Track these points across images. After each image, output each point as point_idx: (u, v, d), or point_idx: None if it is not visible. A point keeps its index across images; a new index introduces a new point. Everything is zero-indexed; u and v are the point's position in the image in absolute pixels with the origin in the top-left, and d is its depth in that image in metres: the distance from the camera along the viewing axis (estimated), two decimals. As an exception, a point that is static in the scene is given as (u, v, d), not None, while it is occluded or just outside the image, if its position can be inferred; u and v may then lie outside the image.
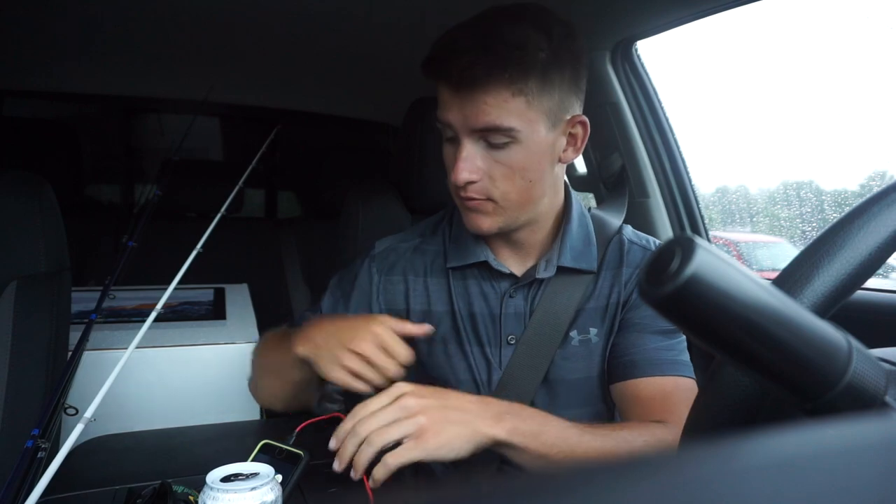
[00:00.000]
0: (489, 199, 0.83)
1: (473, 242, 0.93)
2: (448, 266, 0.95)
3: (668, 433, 0.79)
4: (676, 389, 0.86)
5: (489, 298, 0.93)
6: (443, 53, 0.79)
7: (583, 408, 0.92)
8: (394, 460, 0.69)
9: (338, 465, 0.71)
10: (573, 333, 0.91)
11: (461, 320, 0.94)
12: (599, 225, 0.97)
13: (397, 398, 0.72)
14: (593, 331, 0.92)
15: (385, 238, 1.03)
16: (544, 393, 0.91)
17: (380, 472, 0.70)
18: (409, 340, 0.84)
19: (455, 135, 0.82)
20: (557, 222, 0.94)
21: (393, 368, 0.78)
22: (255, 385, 1.01)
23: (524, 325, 0.92)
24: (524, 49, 0.76)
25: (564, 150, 0.86)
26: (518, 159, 0.81)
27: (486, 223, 0.85)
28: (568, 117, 0.84)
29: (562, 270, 0.91)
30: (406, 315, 0.96)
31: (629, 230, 0.99)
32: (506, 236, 0.92)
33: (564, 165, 0.90)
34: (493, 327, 0.93)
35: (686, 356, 0.91)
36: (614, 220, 1.00)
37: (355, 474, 0.71)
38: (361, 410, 0.72)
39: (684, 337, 0.92)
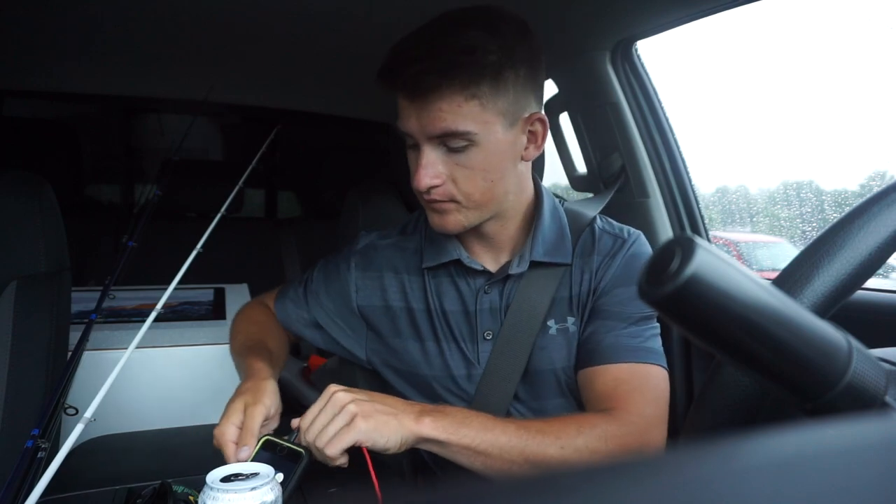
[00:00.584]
0: (452, 200, 0.85)
1: (446, 240, 0.94)
2: (423, 266, 0.96)
3: (609, 423, 0.78)
4: (632, 377, 0.84)
5: (464, 295, 0.94)
6: (395, 64, 0.80)
7: (565, 398, 0.92)
8: (332, 448, 0.72)
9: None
10: (550, 323, 0.92)
11: (437, 317, 0.95)
12: (573, 217, 0.97)
13: (329, 398, 0.75)
14: (571, 319, 0.92)
15: (369, 232, 1.05)
16: (526, 385, 0.92)
17: (329, 454, 0.73)
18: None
19: (415, 142, 0.83)
20: (529, 218, 0.94)
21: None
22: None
23: (500, 320, 0.93)
24: (473, 53, 0.77)
25: (526, 148, 0.87)
26: (478, 161, 0.82)
27: (451, 222, 0.87)
28: (526, 115, 0.84)
29: (535, 265, 0.92)
30: (385, 311, 0.98)
31: (602, 220, 0.99)
32: (476, 232, 0.93)
33: (529, 163, 0.91)
34: (469, 324, 0.94)
35: (654, 343, 0.88)
36: (589, 211, 1.00)
37: (333, 464, 0.75)
38: (303, 422, 0.75)
39: (657, 325, 0.90)
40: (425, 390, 0.96)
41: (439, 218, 0.87)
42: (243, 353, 0.94)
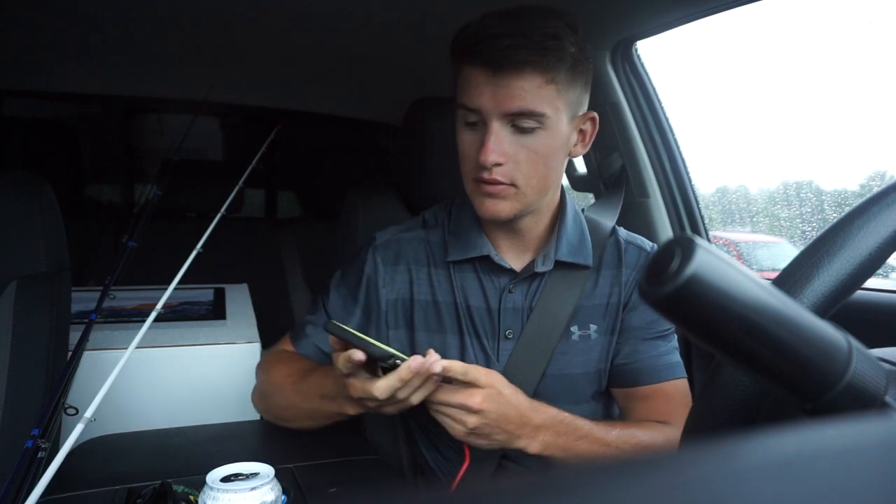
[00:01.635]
0: (511, 185, 0.85)
1: (476, 236, 0.94)
2: (449, 259, 0.95)
3: (674, 433, 0.88)
4: (676, 392, 0.94)
5: (488, 292, 0.94)
6: (479, 37, 0.81)
7: (580, 403, 0.94)
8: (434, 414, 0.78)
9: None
10: (573, 328, 0.93)
11: (462, 312, 0.95)
12: (592, 225, 0.99)
13: (467, 401, 0.76)
14: (593, 327, 0.94)
15: (386, 229, 1.03)
16: (543, 387, 0.92)
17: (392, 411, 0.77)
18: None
19: (480, 119, 0.84)
20: (554, 218, 0.95)
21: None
22: (272, 407, 1.00)
23: (521, 320, 0.93)
24: (559, 40, 0.80)
25: (575, 145, 0.90)
26: (543, 145, 0.84)
27: (506, 208, 0.87)
28: (581, 112, 0.88)
29: (559, 265, 0.93)
30: (412, 304, 0.96)
31: (623, 231, 1.02)
32: (509, 228, 0.93)
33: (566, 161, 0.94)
34: (491, 322, 0.94)
35: (678, 355, 0.97)
36: (607, 220, 1.03)
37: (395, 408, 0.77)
38: (444, 393, 0.77)
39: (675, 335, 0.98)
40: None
41: (492, 203, 0.86)
42: (302, 388, 0.91)
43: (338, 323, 0.72)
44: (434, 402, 0.77)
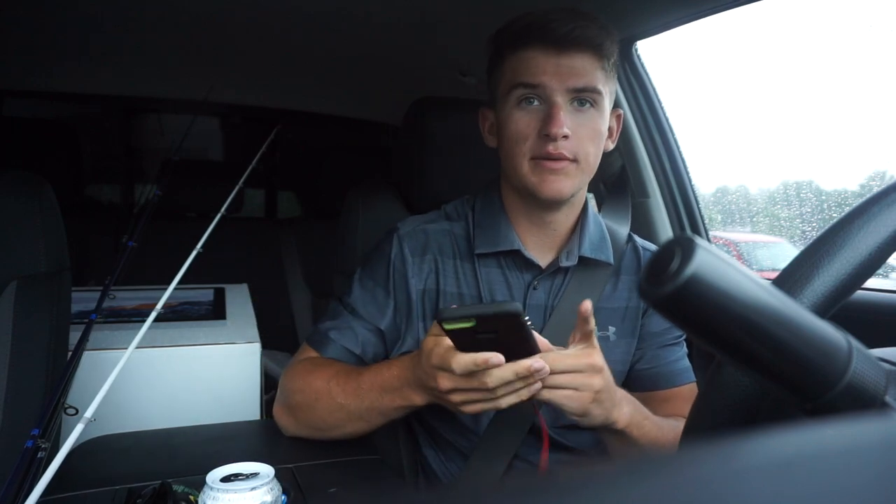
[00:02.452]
0: (574, 161, 0.87)
1: (505, 229, 0.94)
2: (476, 252, 0.95)
3: None
4: (691, 395, 0.97)
5: (513, 288, 0.95)
6: (541, 20, 0.86)
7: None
8: (535, 397, 0.71)
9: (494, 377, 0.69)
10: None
11: None
12: (610, 229, 1.01)
13: (589, 365, 0.72)
14: (612, 329, 0.95)
15: (408, 219, 1.01)
16: None
17: (527, 394, 0.71)
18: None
19: (541, 98, 0.87)
20: (578, 215, 0.97)
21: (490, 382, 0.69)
22: (312, 418, 0.90)
23: (544, 317, 0.94)
24: (610, 32, 0.88)
25: (607, 138, 0.93)
26: (598, 122, 0.89)
27: (567, 186, 0.88)
28: (612, 108, 0.93)
29: (582, 262, 0.94)
30: (436, 296, 0.95)
31: (639, 239, 1.05)
32: (541, 221, 0.94)
33: None
34: None
35: (688, 360, 1.02)
36: (622, 227, 1.06)
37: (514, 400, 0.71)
38: (560, 362, 0.71)
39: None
40: None
41: (555, 180, 0.87)
42: (353, 387, 0.85)
43: (452, 308, 0.65)
44: (558, 370, 0.71)
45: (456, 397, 0.72)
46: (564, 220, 0.95)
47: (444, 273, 0.95)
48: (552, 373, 0.70)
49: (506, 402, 0.70)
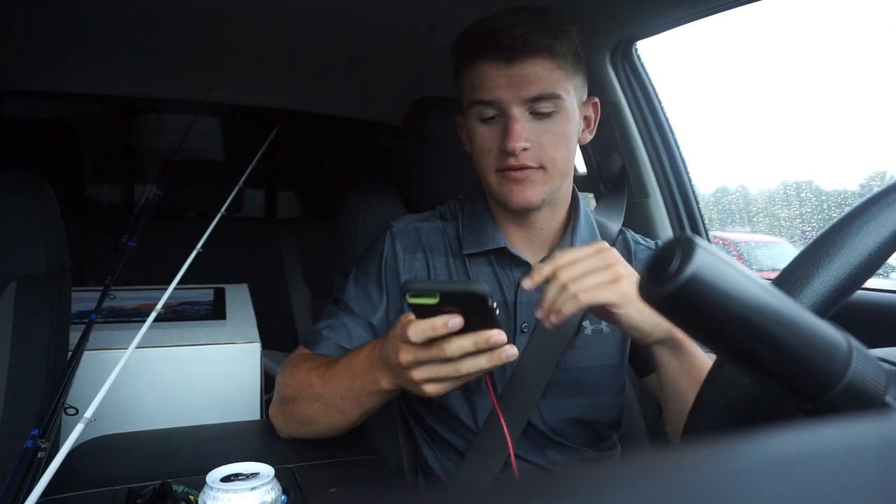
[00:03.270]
0: (539, 168, 0.87)
1: (491, 229, 0.95)
2: (465, 252, 0.96)
3: None
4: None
5: (503, 286, 0.95)
6: (490, 30, 0.84)
7: (596, 396, 0.95)
8: (586, 297, 0.69)
9: (541, 313, 0.71)
10: (586, 324, 0.94)
11: None
12: (601, 225, 1.01)
13: (597, 249, 0.72)
14: (605, 322, 0.94)
15: (402, 217, 1.02)
16: (558, 380, 0.93)
17: (569, 307, 0.69)
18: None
19: (499, 112, 0.86)
20: (567, 214, 0.97)
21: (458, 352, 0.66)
22: (295, 411, 0.90)
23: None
24: (565, 28, 0.86)
25: (583, 131, 0.93)
26: (561, 127, 0.87)
27: (535, 193, 0.88)
28: (585, 99, 0.93)
29: None
30: None
31: (630, 232, 1.04)
32: (526, 222, 0.94)
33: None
34: (507, 315, 0.94)
35: None
36: (614, 223, 1.05)
37: (557, 319, 0.70)
38: (562, 257, 0.71)
39: None
40: None
41: (521, 190, 0.87)
42: (329, 375, 0.84)
43: (416, 282, 0.64)
44: (564, 263, 0.70)
45: (417, 374, 0.68)
46: (549, 219, 0.95)
47: (434, 271, 0.96)
48: (562, 267, 0.70)
49: (466, 367, 0.66)
